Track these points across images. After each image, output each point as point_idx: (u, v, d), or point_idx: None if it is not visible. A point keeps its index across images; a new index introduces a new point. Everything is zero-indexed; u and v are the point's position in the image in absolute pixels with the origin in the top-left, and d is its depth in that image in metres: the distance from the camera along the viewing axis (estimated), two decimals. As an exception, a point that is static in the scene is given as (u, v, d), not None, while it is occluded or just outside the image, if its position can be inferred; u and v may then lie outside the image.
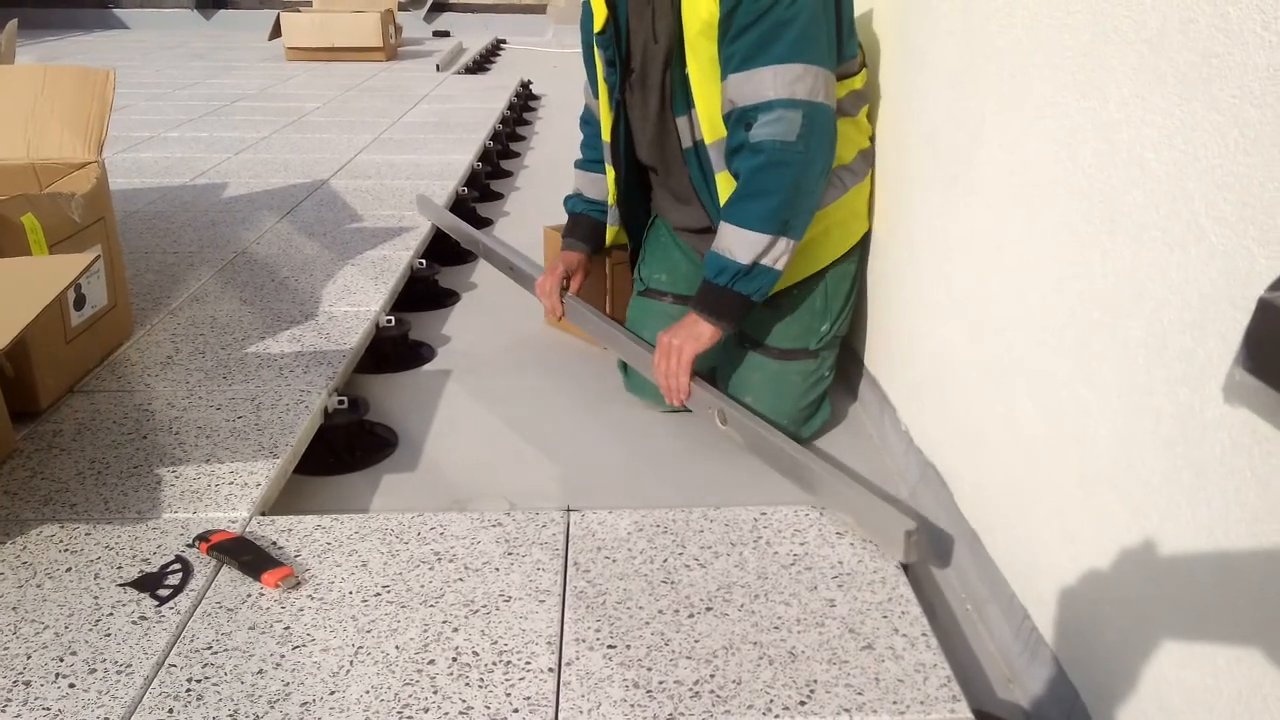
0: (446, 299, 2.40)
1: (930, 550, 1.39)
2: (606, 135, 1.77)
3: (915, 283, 1.57)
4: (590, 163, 1.92)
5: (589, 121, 1.93)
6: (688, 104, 1.60)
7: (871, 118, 1.76)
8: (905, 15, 1.61)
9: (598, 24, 1.66)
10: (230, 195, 3.03)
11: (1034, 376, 1.16)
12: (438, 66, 6.15)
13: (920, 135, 1.53)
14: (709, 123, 1.57)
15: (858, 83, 1.64)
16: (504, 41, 7.91)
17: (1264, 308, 0.73)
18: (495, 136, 4.05)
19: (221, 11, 9.35)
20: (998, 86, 1.25)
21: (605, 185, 1.85)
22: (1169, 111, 0.89)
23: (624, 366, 1.88)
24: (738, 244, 1.49)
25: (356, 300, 2.11)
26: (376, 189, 3.10)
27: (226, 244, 2.52)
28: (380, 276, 2.25)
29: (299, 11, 6.60)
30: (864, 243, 1.76)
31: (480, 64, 6.51)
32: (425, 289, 2.39)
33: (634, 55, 1.66)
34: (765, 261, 1.49)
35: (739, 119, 1.49)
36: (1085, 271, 1.04)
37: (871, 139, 1.72)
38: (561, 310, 1.90)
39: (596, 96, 1.81)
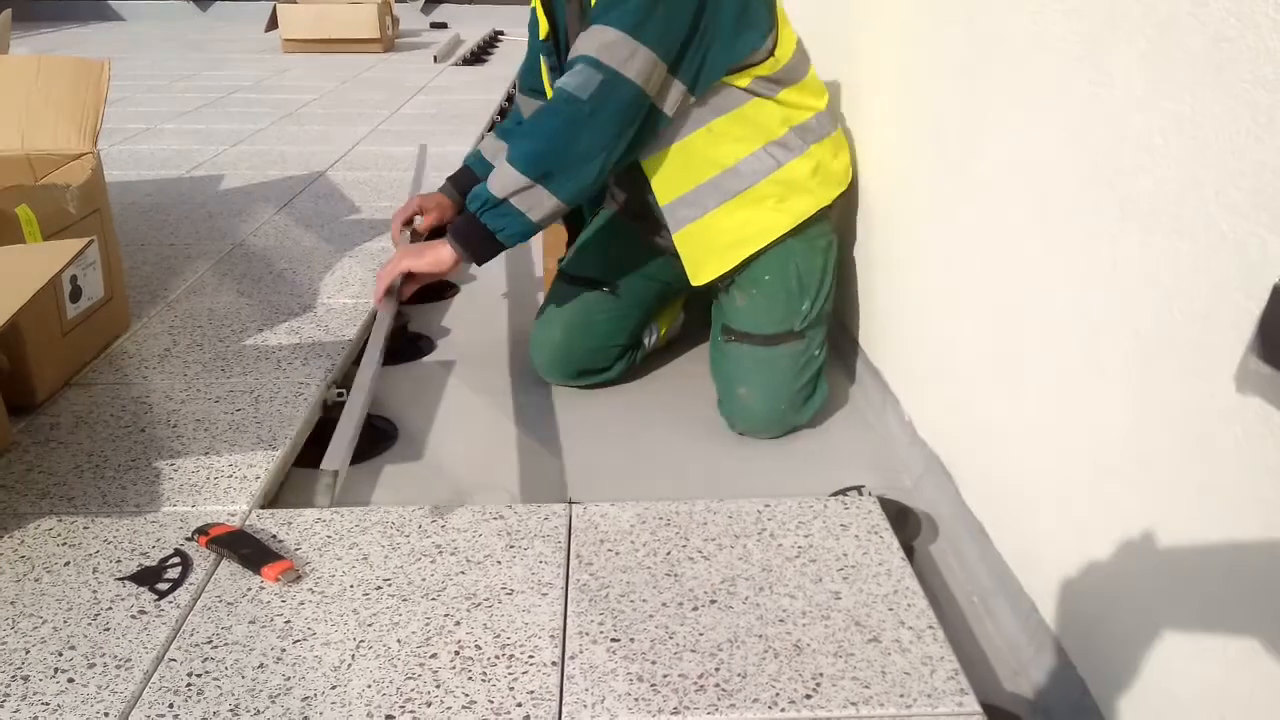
0: (446, 291, 2.39)
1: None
2: None
3: (920, 273, 1.56)
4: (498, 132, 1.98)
5: (517, 97, 1.98)
6: None
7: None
8: (910, 2, 1.60)
9: (542, 33, 1.70)
10: (227, 187, 3.01)
11: (1042, 367, 1.15)
12: (435, 58, 6.12)
13: (927, 124, 1.52)
14: None
15: (766, 70, 1.60)
16: (501, 33, 7.88)
17: (1278, 295, 0.72)
18: (493, 127, 4.03)
19: (218, 3, 9.31)
20: (1004, 73, 1.24)
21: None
22: (1179, 97, 0.88)
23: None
24: (498, 176, 1.52)
25: (355, 292, 2.10)
26: (374, 180, 3.09)
27: (224, 236, 2.50)
28: (379, 268, 2.24)
29: (295, 3, 6.56)
30: (836, 219, 1.75)
31: (478, 55, 6.48)
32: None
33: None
34: (515, 202, 1.51)
35: (568, 65, 1.53)
36: (1094, 260, 1.03)
37: (820, 114, 1.69)
38: (397, 238, 1.97)
39: (522, 90, 1.91)
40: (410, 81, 5.25)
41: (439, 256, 1.57)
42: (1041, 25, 1.14)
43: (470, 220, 1.55)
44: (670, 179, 1.65)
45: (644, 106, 1.50)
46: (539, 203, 1.51)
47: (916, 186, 1.56)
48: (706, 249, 1.67)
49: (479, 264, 1.59)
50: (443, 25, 8.41)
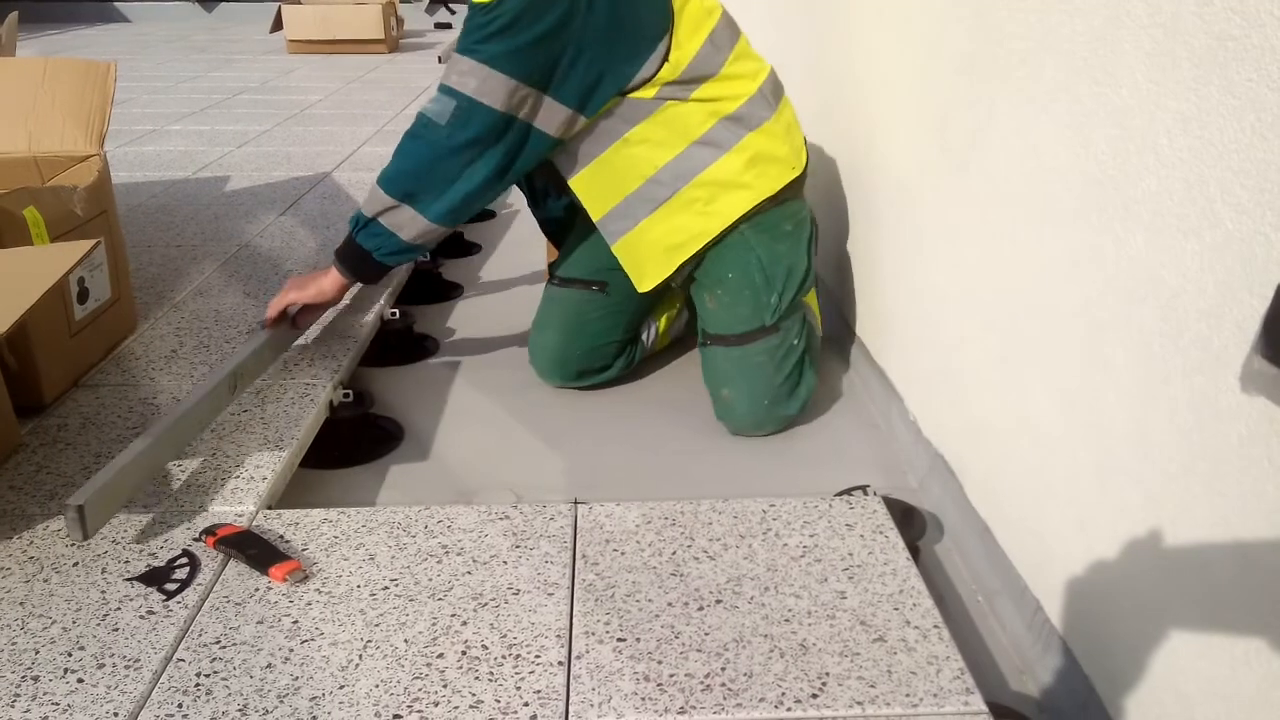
0: (451, 292, 2.40)
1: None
2: None
3: (924, 271, 1.56)
4: None
5: None
6: None
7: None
8: (914, 1, 1.60)
9: None
10: (233, 188, 3.02)
11: (1046, 365, 1.15)
12: (439, 58, 6.12)
13: (930, 123, 1.52)
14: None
15: (668, 75, 1.57)
16: (505, 33, 7.88)
17: (1284, 294, 0.72)
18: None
19: (223, 4, 9.33)
20: (1008, 72, 1.24)
21: None
22: (1184, 96, 0.88)
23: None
24: (369, 196, 1.60)
25: (361, 293, 2.10)
26: (379, 181, 3.09)
27: (229, 237, 2.51)
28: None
29: (300, 4, 6.58)
30: (791, 208, 1.69)
31: (482, 56, 6.48)
32: (430, 282, 2.38)
33: None
34: (384, 221, 1.59)
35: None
36: (1098, 259, 1.03)
37: (752, 98, 1.63)
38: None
39: None
40: (415, 82, 5.26)
41: (321, 287, 1.69)
42: (1046, 24, 1.14)
43: (348, 241, 1.64)
44: (598, 194, 1.67)
45: (512, 129, 1.53)
46: (407, 222, 1.58)
47: (921, 185, 1.56)
48: (643, 258, 1.69)
49: (366, 284, 1.69)
50: (447, 26, 8.42)
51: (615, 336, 1.85)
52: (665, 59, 1.56)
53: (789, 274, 1.67)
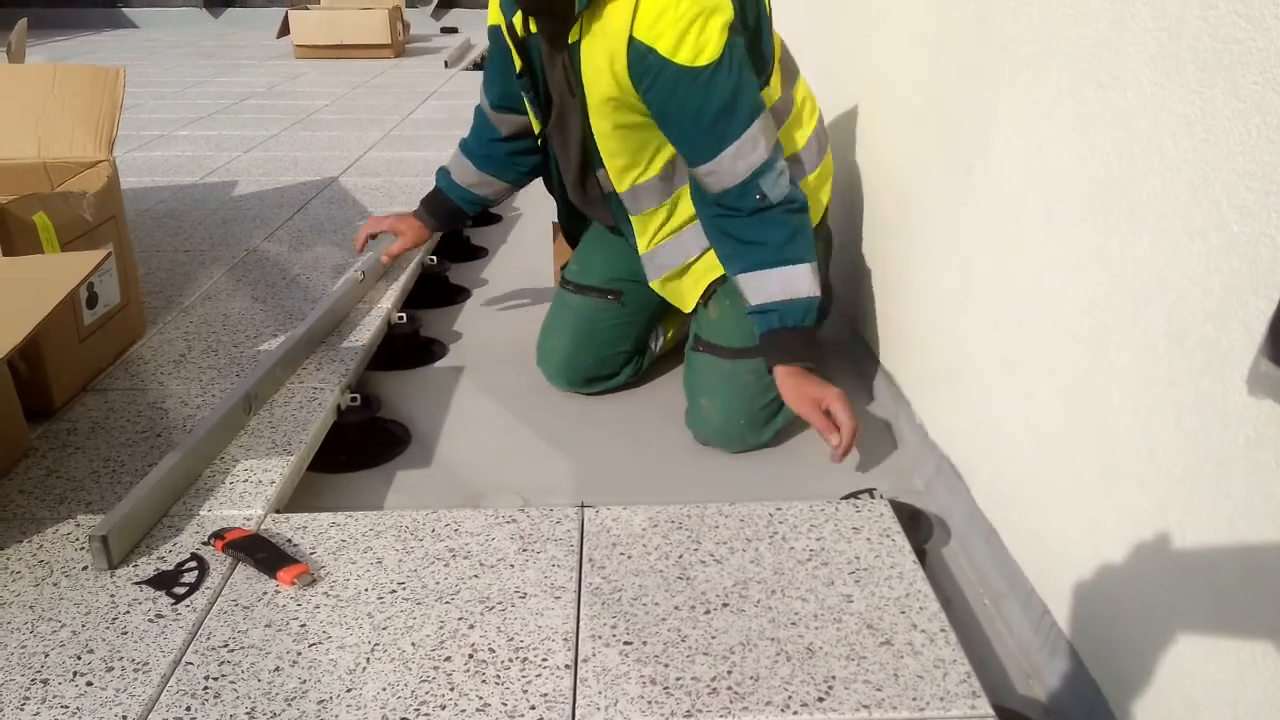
0: (458, 296, 2.40)
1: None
2: (540, 165, 1.86)
3: (930, 274, 1.56)
4: (477, 157, 1.94)
5: (483, 111, 1.91)
6: (600, 161, 1.64)
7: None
8: (917, 4, 1.60)
9: (517, 66, 1.64)
10: (240, 193, 3.03)
11: (1053, 368, 1.15)
12: (446, 63, 6.14)
13: (935, 125, 1.52)
14: (617, 176, 1.63)
15: (770, 98, 1.61)
16: (512, 37, 7.90)
17: (1289, 297, 0.72)
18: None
19: (230, 10, 9.36)
20: (1013, 75, 1.24)
21: (484, 180, 1.94)
22: (1188, 99, 0.88)
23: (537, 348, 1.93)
24: (801, 280, 1.53)
25: (368, 297, 2.11)
26: (386, 186, 3.10)
27: (237, 242, 2.52)
28: (391, 273, 2.25)
29: (307, 9, 6.60)
30: (826, 232, 1.76)
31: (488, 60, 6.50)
32: (436, 286, 2.39)
33: (553, 102, 1.66)
34: (818, 284, 1.55)
35: (742, 193, 1.51)
36: (1104, 261, 1.03)
37: (809, 142, 1.72)
38: (360, 248, 2.08)
39: (493, 105, 1.86)
40: (421, 87, 5.27)
41: (811, 378, 1.52)
42: (1051, 28, 1.14)
43: (793, 334, 1.54)
44: (654, 227, 1.68)
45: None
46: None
47: (926, 189, 1.56)
48: (685, 289, 1.72)
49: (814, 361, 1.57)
50: (453, 30, 8.44)
51: (625, 346, 1.85)
52: (772, 65, 1.62)
53: None
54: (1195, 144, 0.87)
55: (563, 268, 1.95)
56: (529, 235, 2.87)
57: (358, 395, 1.69)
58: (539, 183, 1.95)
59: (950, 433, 1.50)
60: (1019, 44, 1.23)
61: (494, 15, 1.66)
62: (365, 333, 1.92)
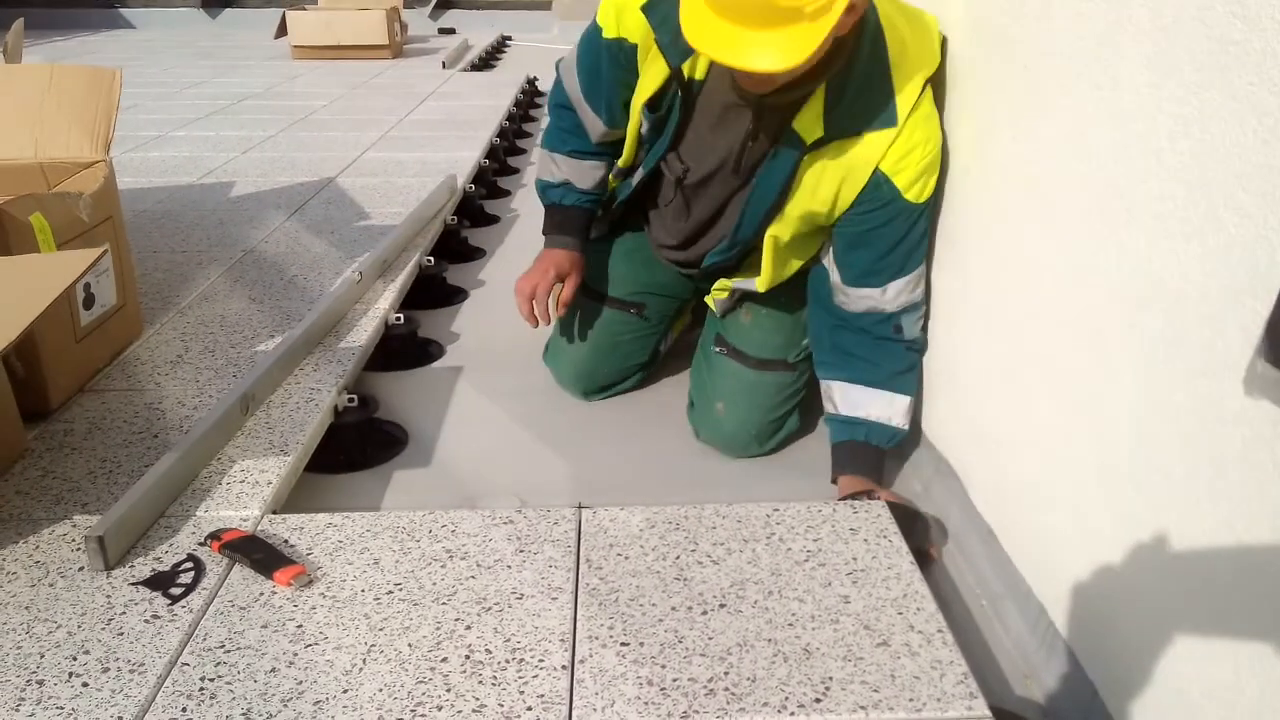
0: (455, 296, 2.40)
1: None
2: (620, 180, 1.72)
3: (927, 276, 1.56)
4: (580, 153, 1.74)
5: (567, 107, 1.72)
6: (753, 235, 1.54)
7: None
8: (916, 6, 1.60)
9: (647, 89, 1.50)
10: (238, 194, 3.03)
11: (1050, 370, 1.15)
12: (443, 64, 6.14)
13: (931, 128, 1.52)
14: (767, 277, 1.56)
15: None
16: (509, 38, 7.90)
17: (1286, 299, 0.72)
18: (502, 133, 4.05)
19: (227, 10, 9.35)
20: (1010, 77, 1.24)
21: (598, 175, 1.76)
22: (1185, 100, 0.88)
23: (546, 348, 1.92)
24: (899, 410, 1.53)
25: (365, 298, 2.11)
26: (384, 186, 3.10)
27: (235, 243, 2.51)
28: (388, 274, 2.25)
29: (304, 10, 6.60)
30: None
31: (486, 61, 6.50)
32: (434, 287, 2.39)
33: (694, 156, 1.55)
34: (908, 424, 1.55)
35: (883, 320, 1.52)
36: (1101, 264, 1.03)
37: None
38: (549, 319, 1.76)
39: (595, 110, 1.66)
40: (419, 87, 5.27)
41: (877, 485, 1.51)
42: (1048, 29, 1.14)
43: (872, 452, 1.54)
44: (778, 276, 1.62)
45: None
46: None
47: (924, 190, 1.56)
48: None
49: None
50: (451, 31, 8.44)
51: (642, 359, 1.85)
52: None
53: None
54: (1192, 145, 0.88)
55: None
56: (527, 237, 2.86)
57: (355, 396, 1.68)
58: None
59: (949, 434, 1.50)
60: (1016, 45, 1.23)
61: (621, 29, 1.51)
62: (362, 334, 1.92)
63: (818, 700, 1.00)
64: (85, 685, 1.03)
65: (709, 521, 1.32)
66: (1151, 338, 0.94)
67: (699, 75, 1.47)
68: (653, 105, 1.52)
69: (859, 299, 1.51)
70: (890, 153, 1.39)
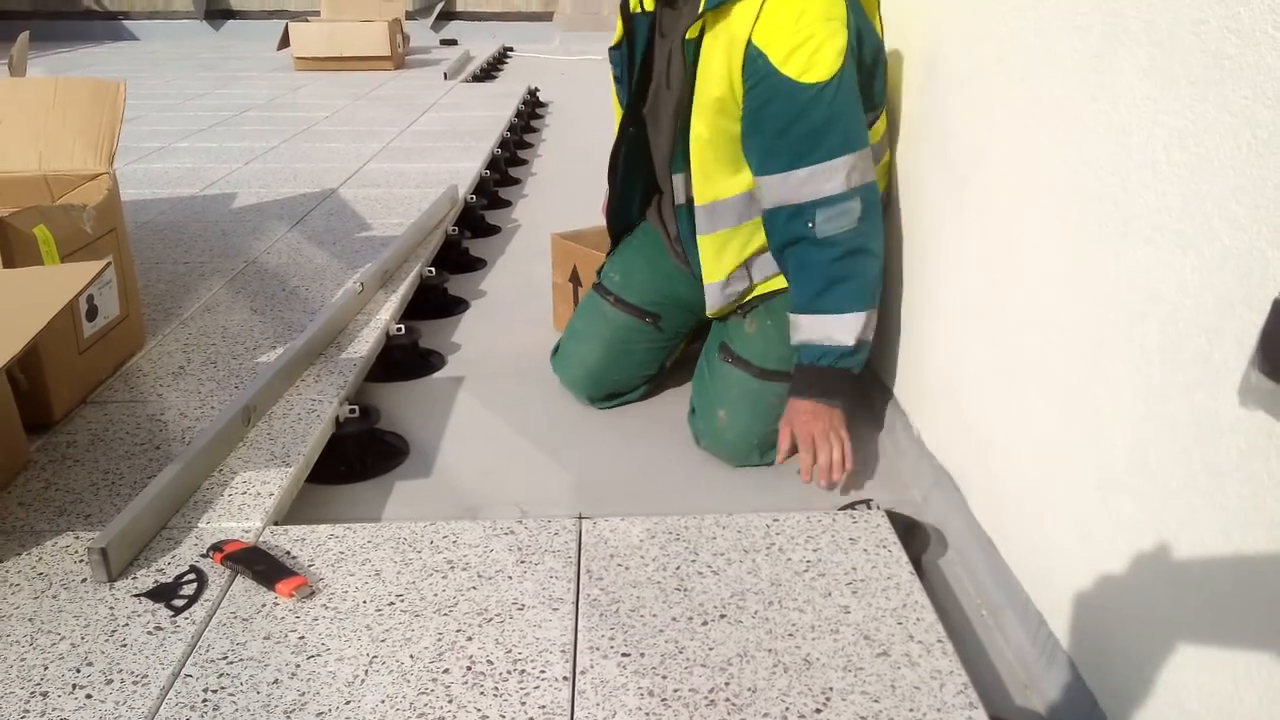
0: (456, 307, 2.41)
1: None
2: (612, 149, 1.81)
3: (926, 287, 1.57)
4: None
5: None
6: (685, 163, 1.62)
7: (888, 142, 1.77)
8: (914, 19, 1.61)
9: (615, 37, 1.71)
10: (240, 205, 3.04)
11: (1048, 380, 1.16)
12: (445, 75, 6.16)
13: (931, 139, 1.53)
14: (700, 185, 1.60)
15: (877, 133, 1.63)
16: (511, 49, 7.93)
17: (1279, 309, 0.72)
18: (503, 144, 4.06)
19: (230, 22, 9.40)
20: (1008, 89, 1.25)
21: None
22: (1181, 113, 0.89)
23: (555, 350, 1.93)
24: (837, 328, 1.52)
25: (367, 309, 2.11)
26: (385, 198, 3.11)
27: (237, 254, 2.52)
28: (390, 285, 2.26)
29: (307, 22, 6.63)
30: None
31: (487, 72, 6.53)
32: (435, 297, 2.39)
33: (648, 90, 1.67)
34: (866, 337, 1.54)
35: (794, 215, 1.51)
36: (1099, 275, 1.03)
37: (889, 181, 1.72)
38: None
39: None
40: (421, 99, 5.29)
41: (832, 415, 1.55)
42: (1045, 42, 1.15)
43: (827, 372, 1.55)
44: (723, 258, 1.65)
45: (878, 185, 1.56)
46: (874, 321, 1.56)
47: (922, 202, 1.57)
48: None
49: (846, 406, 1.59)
50: (453, 42, 8.48)
51: (651, 370, 1.86)
52: (883, 109, 1.64)
53: None
54: (1187, 158, 0.88)
55: (599, 271, 1.92)
56: (528, 247, 2.87)
57: (356, 407, 1.69)
58: (541, 193, 1.94)
59: (947, 444, 1.50)
60: (1013, 58, 1.24)
61: None
62: (364, 344, 1.93)
63: (818, 711, 1.00)
64: (89, 697, 1.03)
65: (709, 532, 1.32)
66: (1148, 349, 0.95)
67: (648, 7, 1.62)
68: (616, 45, 1.70)
69: (768, 190, 1.52)
70: (758, 26, 1.43)
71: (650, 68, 1.67)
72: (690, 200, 1.64)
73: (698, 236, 1.65)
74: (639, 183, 1.84)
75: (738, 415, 1.65)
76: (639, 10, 1.64)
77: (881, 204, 1.58)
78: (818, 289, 1.53)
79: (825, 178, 1.47)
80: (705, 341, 1.81)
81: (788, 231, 1.53)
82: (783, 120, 1.46)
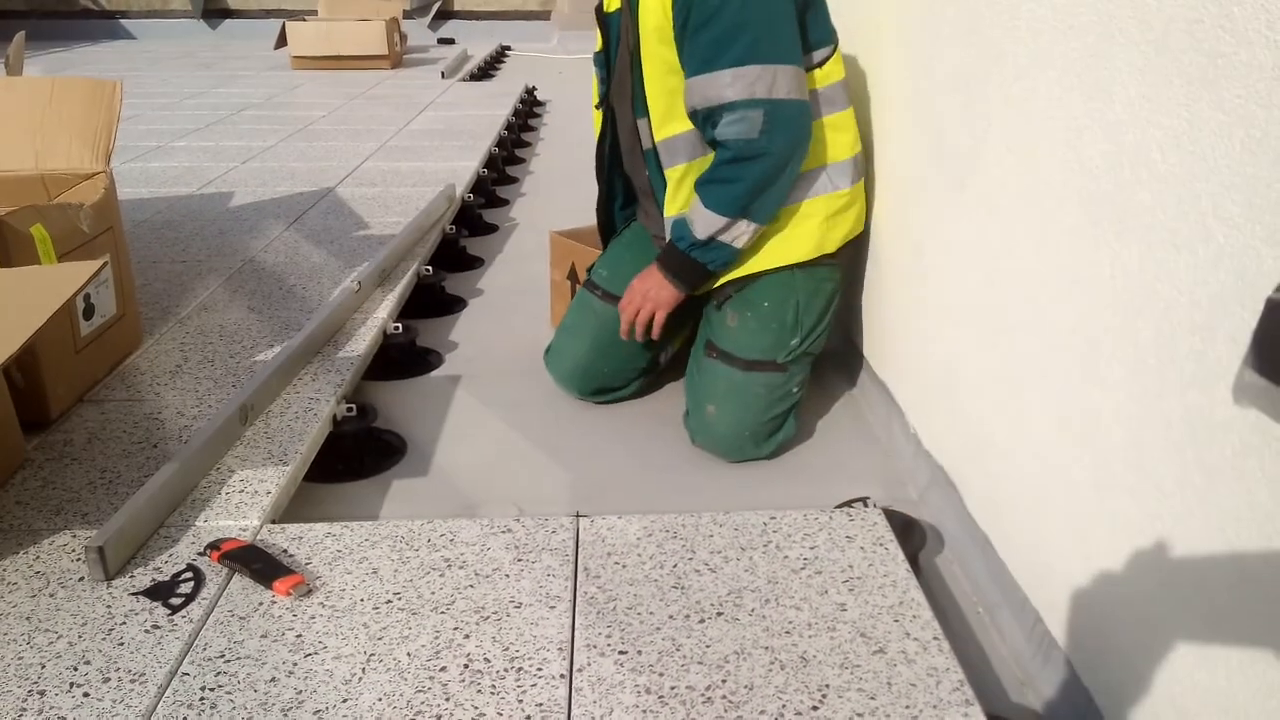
0: (453, 305, 2.41)
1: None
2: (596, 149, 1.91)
3: (923, 285, 1.57)
4: None
5: None
6: (645, 106, 1.68)
7: (868, 120, 1.77)
8: (909, 19, 1.62)
9: (598, 43, 1.78)
10: (237, 204, 3.04)
11: (1044, 379, 1.16)
12: (443, 74, 6.16)
13: (926, 138, 1.53)
14: (658, 122, 1.67)
15: (829, 75, 1.65)
16: (508, 48, 7.93)
17: (1272, 308, 0.72)
18: (501, 143, 4.06)
19: (228, 21, 9.40)
20: (1004, 89, 1.25)
21: None
22: (1175, 113, 0.89)
23: (548, 349, 1.94)
24: (698, 220, 1.62)
25: (364, 307, 2.11)
26: (383, 196, 3.11)
27: (234, 252, 2.52)
28: (387, 283, 2.26)
29: (304, 20, 6.62)
30: (848, 261, 1.76)
31: (485, 71, 6.53)
32: (432, 295, 2.40)
33: (617, 65, 1.74)
34: (722, 238, 1.62)
35: (705, 118, 1.59)
36: (1094, 273, 1.04)
37: (862, 146, 1.73)
38: None
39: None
40: (418, 98, 5.29)
41: (662, 290, 1.69)
42: (1041, 42, 1.15)
43: (682, 256, 1.66)
44: (682, 192, 1.69)
45: (807, 111, 1.58)
46: (743, 232, 1.62)
47: (919, 202, 1.57)
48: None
49: (692, 293, 1.70)
50: (450, 41, 8.47)
51: (642, 363, 1.86)
52: (834, 50, 1.67)
53: (816, 325, 1.70)
54: (1182, 157, 0.89)
55: (589, 269, 1.93)
56: (525, 246, 2.88)
57: (353, 405, 1.69)
58: (538, 192, 1.97)
59: (944, 442, 1.51)
60: (1009, 58, 1.24)
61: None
62: (361, 343, 1.93)
63: (814, 708, 1.01)
64: (86, 695, 1.03)
65: (706, 530, 1.32)
66: (1143, 347, 0.95)
67: (617, 4, 1.70)
68: (601, 51, 1.79)
69: (686, 95, 1.59)
70: None
71: (618, 49, 1.73)
72: (654, 142, 1.70)
73: (665, 172, 1.71)
74: (620, 180, 1.91)
75: (726, 408, 1.66)
76: (611, 10, 1.71)
77: (809, 131, 1.60)
78: (706, 179, 1.62)
79: (727, 82, 1.53)
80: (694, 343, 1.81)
81: (705, 134, 1.61)
82: (694, 28, 1.54)
